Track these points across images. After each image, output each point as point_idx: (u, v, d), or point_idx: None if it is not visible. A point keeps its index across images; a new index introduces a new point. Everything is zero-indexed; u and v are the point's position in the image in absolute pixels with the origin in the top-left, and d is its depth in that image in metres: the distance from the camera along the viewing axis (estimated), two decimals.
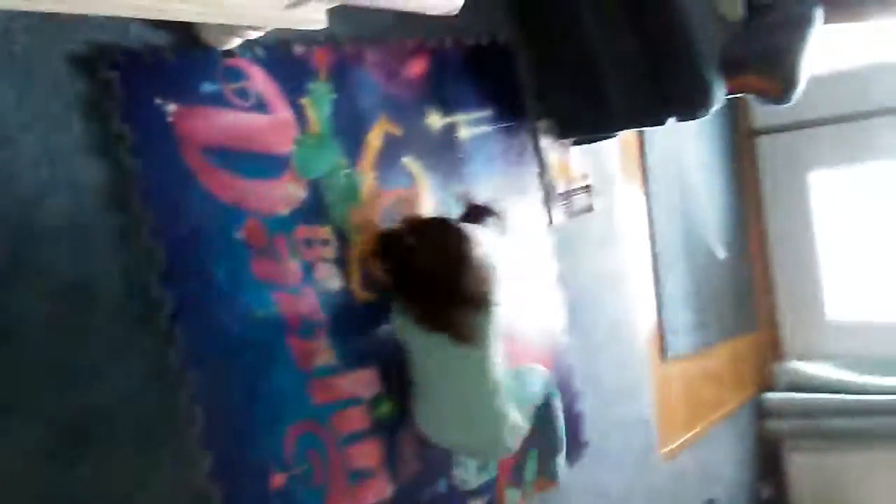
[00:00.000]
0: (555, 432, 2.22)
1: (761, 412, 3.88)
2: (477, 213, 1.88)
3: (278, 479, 1.72)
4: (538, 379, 2.15)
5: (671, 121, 2.39)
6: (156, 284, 1.57)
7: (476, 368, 1.87)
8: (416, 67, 2.15)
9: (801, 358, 3.94)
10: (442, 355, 1.85)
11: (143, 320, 1.55)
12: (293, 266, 1.80)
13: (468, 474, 2.15)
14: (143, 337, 1.55)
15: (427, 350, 1.87)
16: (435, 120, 2.18)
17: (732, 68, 2.27)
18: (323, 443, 1.82)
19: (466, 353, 1.84)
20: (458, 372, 1.86)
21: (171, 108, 1.61)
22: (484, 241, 1.81)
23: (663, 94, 2.32)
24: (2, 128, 1.39)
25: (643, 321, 2.99)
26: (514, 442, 1.96)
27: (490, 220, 1.86)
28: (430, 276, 1.77)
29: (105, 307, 1.50)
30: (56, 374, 1.43)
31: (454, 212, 2.07)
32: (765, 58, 2.29)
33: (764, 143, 3.88)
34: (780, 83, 2.31)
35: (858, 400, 3.60)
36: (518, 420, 1.93)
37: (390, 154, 2.04)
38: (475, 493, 2.17)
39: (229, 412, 1.66)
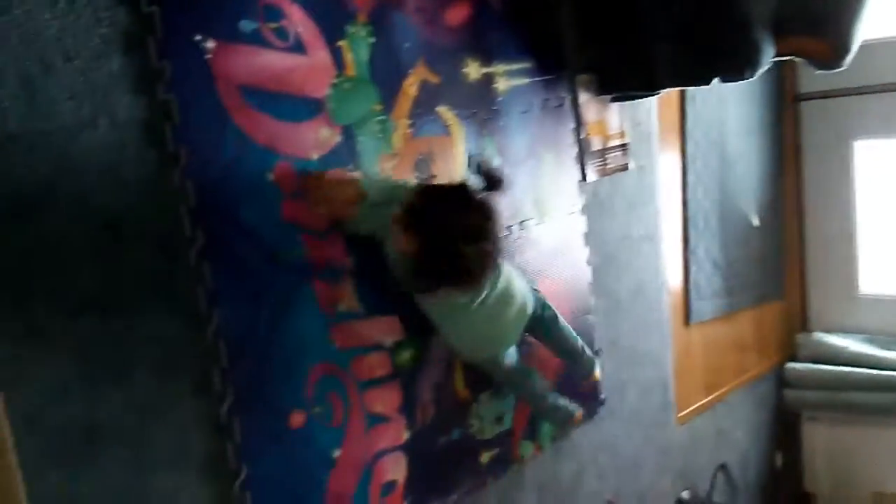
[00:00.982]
0: (566, 339, 2.23)
1: (782, 381, 3.87)
2: (491, 180, 1.77)
3: (298, 418, 1.76)
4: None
5: (715, 81, 2.33)
6: (187, 221, 1.58)
7: (500, 301, 1.91)
8: (458, 14, 2.11)
9: (827, 330, 3.92)
10: (467, 309, 1.86)
11: (173, 256, 1.57)
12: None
13: (483, 424, 2.18)
14: (172, 272, 1.57)
15: (451, 309, 1.88)
16: (473, 69, 2.15)
17: (784, 29, 2.19)
18: (343, 385, 1.85)
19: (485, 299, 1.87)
20: (484, 311, 1.89)
21: (210, 45, 1.60)
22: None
23: (710, 53, 2.26)
24: (44, 57, 1.40)
25: (669, 284, 2.97)
26: None
27: (500, 187, 1.76)
28: (453, 243, 1.66)
29: (137, 241, 1.52)
30: (86, 304, 1.46)
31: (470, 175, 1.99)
32: (820, 20, 2.21)
33: (808, 108, 3.78)
34: (833, 47, 2.24)
35: (881, 375, 3.57)
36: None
37: (426, 102, 2.02)
38: (489, 442, 2.20)
39: (253, 350, 1.69)
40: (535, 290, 2.10)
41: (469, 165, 2.01)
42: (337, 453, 1.83)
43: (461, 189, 1.71)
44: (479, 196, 1.69)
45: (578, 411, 2.28)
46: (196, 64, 1.59)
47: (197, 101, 1.59)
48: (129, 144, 1.51)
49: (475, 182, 1.73)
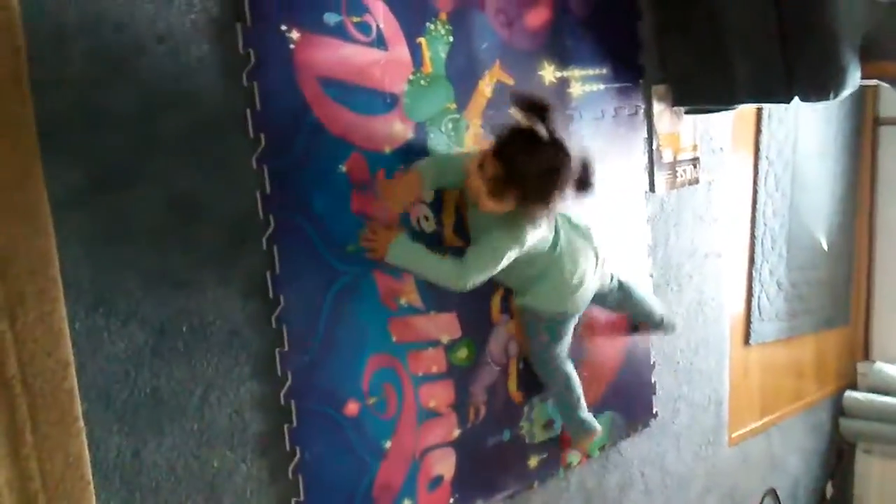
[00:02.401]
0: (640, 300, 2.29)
1: (839, 410, 3.77)
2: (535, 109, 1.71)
3: (352, 407, 1.79)
4: None
5: (796, 100, 2.28)
6: (260, 207, 1.62)
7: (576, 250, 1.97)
8: (538, 16, 2.10)
9: (889, 360, 3.80)
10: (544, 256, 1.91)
11: (245, 240, 1.61)
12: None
13: (534, 428, 2.18)
14: (243, 256, 1.61)
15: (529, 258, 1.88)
16: (549, 73, 2.14)
17: (872, 53, 2.13)
18: (399, 378, 1.87)
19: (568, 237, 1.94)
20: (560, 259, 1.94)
21: (295, 35, 1.63)
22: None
23: (793, 72, 2.21)
24: (139, 38, 1.45)
25: (731, 302, 2.92)
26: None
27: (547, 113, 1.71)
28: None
29: (211, 222, 1.56)
30: (159, 279, 1.51)
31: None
32: None
33: (887, 133, 3.66)
34: None
35: None
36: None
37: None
38: (538, 446, 2.20)
39: (313, 337, 1.72)
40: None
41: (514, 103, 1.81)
42: (388, 444, 1.86)
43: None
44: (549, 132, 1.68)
45: (598, 429, 2.22)
46: (280, 53, 1.62)
47: (278, 90, 1.62)
48: (211, 128, 1.55)
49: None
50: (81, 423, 1.41)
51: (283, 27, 1.62)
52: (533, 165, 1.65)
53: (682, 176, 2.59)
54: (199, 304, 1.56)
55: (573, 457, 2.30)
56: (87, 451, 1.42)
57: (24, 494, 1.37)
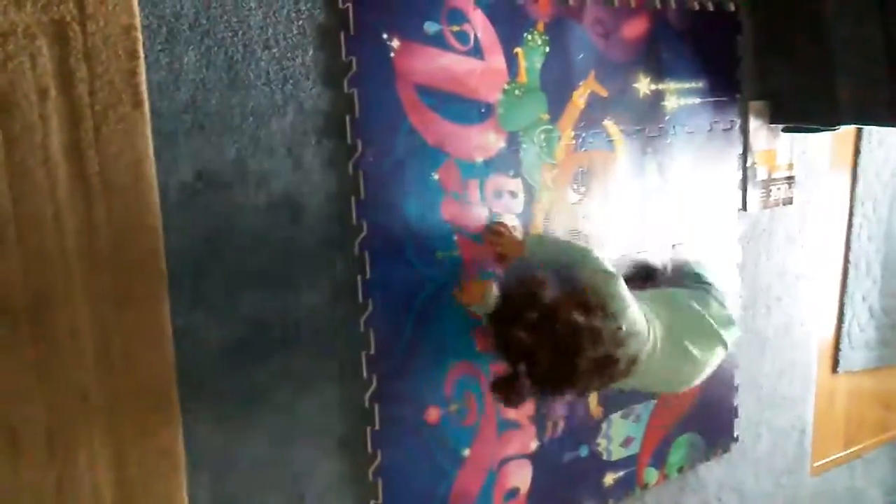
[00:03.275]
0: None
1: None
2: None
3: (434, 414, 1.80)
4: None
5: None
6: (354, 211, 1.64)
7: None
8: (635, 28, 2.07)
9: None
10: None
11: (338, 244, 1.63)
12: (480, 214, 1.83)
13: (611, 445, 2.14)
14: (336, 259, 1.64)
15: None
16: (643, 85, 2.11)
17: None
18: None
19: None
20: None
21: (395, 43, 1.65)
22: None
23: None
24: (247, 42, 1.49)
25: (819, 328, 2.81)
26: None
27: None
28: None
29: (307, 225, 1.59)
30: (255, 278, 1.55)
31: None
32: None
33: None
34: None
35: None
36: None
37: (592, 115, 2.00)
38: (615, 464, 2.17)
39: (399, 343, 1.74)
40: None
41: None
42: (467, 452, 1.86)
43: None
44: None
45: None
46: (380, 61, 1.64)
47: (377, 97, 1.65)
48: (311, 133, 1.59)
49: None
50: (179, 415, 1.46)
51: (385, 35, 1.64)
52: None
53: (776, 195, 2.51)
54: (292, 304, 1.59)
55: (650, 476, 2.26)
56: (180, 439, 1.47)
57: (120, 487, 1.42)
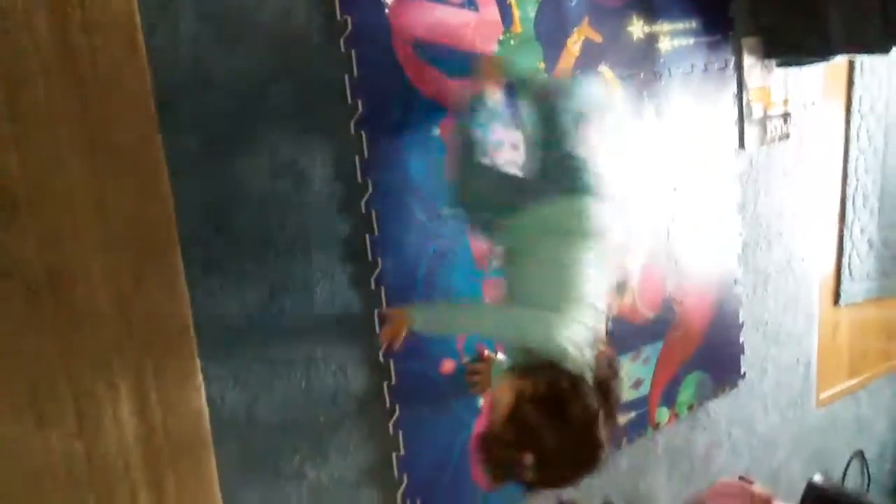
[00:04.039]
0: None
1: None
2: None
3: (448, 366, 1.83)
4: None
5: (894, 51, 2.19)
6: (359, 171, 1.65)
7: None
8: None
9: None
10: None
11: (345, 204, 1.64)
12: None
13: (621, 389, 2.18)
14: (344, 219, 1.65)
15: None
16: (637, 28, 2.11)
17: None
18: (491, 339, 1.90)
19: None
20: None
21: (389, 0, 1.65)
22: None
23: (891, 21, 2.11)
24: (243, 15, 1.48)
25: (820, 262, 2.85)
26: None
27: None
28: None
29: (314, 188, 1.60)
30: (266, 243, 1.56)
31: None
32: None
33: None
34: None
35: None
36: None
37: (587, 61, 2.00)
38: (626, 406, 2.21)
39: (411, 297, 1.76)
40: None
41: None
42: (482, 402, 1.89)
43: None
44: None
45: None
46: (376, 18, 1.64)
47: (373, 55, 1.64)
48: (311, 95, 1.58)
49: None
50: (200, 378, 1.49)
51: None
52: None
53: (772, 132, 2.52)
54: (303, 267, 1.61)
55: (661, 416, 2.31)
56: (203, 399, 1.50)
57: (150, 446, 1.45)
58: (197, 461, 1.50)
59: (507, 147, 1.87)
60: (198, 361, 1.49)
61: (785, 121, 2.55)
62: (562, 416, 1.30)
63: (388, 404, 1.75)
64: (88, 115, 1.35)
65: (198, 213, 1.47)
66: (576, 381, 1.32)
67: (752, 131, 2.43)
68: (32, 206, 1.31)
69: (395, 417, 1.76)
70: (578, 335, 1.38)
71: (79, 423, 1.38)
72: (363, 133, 1.65)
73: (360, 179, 1.66)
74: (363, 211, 1.67)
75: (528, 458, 1.29)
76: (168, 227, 1.43)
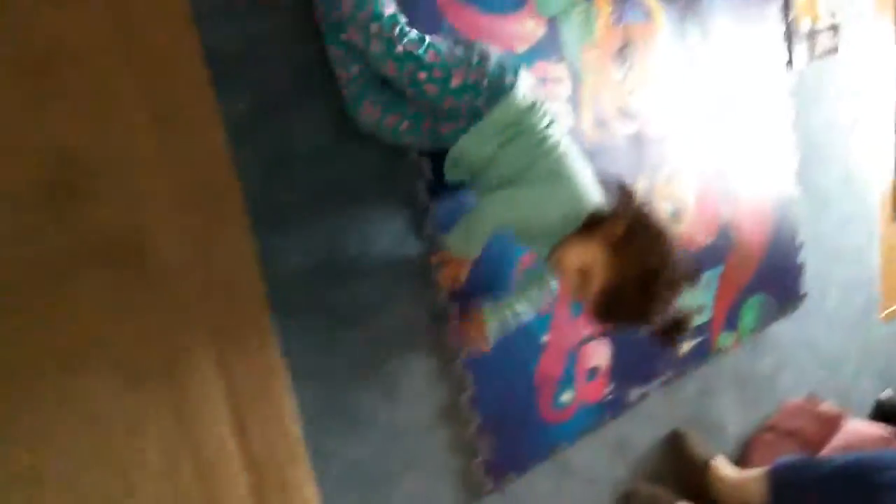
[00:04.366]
0: None
1: None
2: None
3: None
4: None
5: None
6: None
7: None
8: None
9: None
10: None
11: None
12: None
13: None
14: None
15: None
16: None
17: None
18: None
19: None
20: None
21: None
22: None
23: None
24: None
25: (878, 178, 2.78)
26: None
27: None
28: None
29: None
30: (325, 197, 1.59)
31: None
32: None
33: None
34: None
35: None
36: None
37: None
38: (689, 332, 2.20)
39: None
40: None
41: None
42: (545, 338, 1.92)
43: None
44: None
45: None
46: None
47: (413, 2, 1.64)
48: None
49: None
50: (272, 329, 1.54)
51: None
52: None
53: (821, 46, 2.45)
54: (363, 218, 1.63)
55: (724, 341, 2.31)
56: (280, 356, 1.55)
57: (232, 398, 1.51)
58: (278, 409, 1.56)
59: (551, 82, 1.86)
60: (270, 320, 1.54)
61: (833, 34, 2.47)
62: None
63: (452, 346, 1.78)
64: (148, 88, 1.38)
65: (257, 173, 1.50)
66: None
67: (800, 47, 2.37)
68: (108, 177, 1.36)
69: (461, 359, 1.79)
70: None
71: (168, 381, 1.45)
72: None
73: None
74: (415, 158, 1.68)
75: None
76: (232, 189, 1.46)
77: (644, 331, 1.50)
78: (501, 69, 1.46)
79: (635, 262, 1.42)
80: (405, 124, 1.51)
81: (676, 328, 1.48)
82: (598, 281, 1.44)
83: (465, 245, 1.59)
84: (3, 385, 1.29)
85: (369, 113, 1.51)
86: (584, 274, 1.46)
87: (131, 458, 1.43)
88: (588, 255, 1.45)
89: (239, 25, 1.46)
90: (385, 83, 1.49)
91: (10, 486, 1.32)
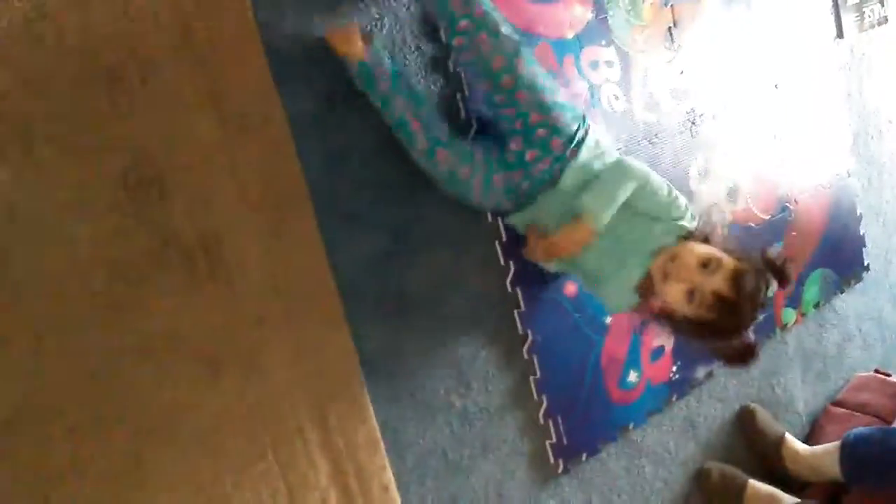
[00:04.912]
0: None
1: None
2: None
3: (571, 288, 1.86)
4: None
5: None
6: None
7: None
8: None
9: None
10: None
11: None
12: (581, 89, 1.86)
13: None
14: None
15: None
16: None
17: None
18: None
19: None
20: None
21: None
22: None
23: None
24: None
25: None
26: None
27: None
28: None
29: None
30: (389, 189, 1.63)
31: None
32: None
33: None
34: None
35: None
36: None
37: None
38: None
39: None
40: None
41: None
42: (609, 319, 1.93)
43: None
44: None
45: None
46: None
47: None
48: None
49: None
50: (343, 318, 1.59)
51: None
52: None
53: (870, 16, 2.42)
54: (425, 207, 1.67)
55: (788, 317, 2.29)
56: (351, 343, 1.60)
57: (308, 388, 1.56)
58: (352, 395, 1.61)
59: (602, 66, 1.88)
60: (341, 309, 1.58)
61: (882, 4, 2.44)
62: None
63: (520, 331, 1.81)
64: (213, 90, 1.44)
65: (322, 166, 1.55)
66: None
67: (848, 18, 2.35)
68: (176, 179, 1.42)
69: (528, 343, 1.82)
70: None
71: (245, 374, 1.50)
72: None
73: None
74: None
75: None
76: (299, 185, 1.52)
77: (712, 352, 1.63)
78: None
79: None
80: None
81: (749, 353, 1.58)
82: (722, 275, 1.47)
83: (606, 210, 1.53)
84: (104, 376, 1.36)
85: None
86: (707, 264, 1.48)
87: (218, 445, 1.48)
88: (717, 253, 1.50)
89: (302, 26, 1.51)
90: None
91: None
